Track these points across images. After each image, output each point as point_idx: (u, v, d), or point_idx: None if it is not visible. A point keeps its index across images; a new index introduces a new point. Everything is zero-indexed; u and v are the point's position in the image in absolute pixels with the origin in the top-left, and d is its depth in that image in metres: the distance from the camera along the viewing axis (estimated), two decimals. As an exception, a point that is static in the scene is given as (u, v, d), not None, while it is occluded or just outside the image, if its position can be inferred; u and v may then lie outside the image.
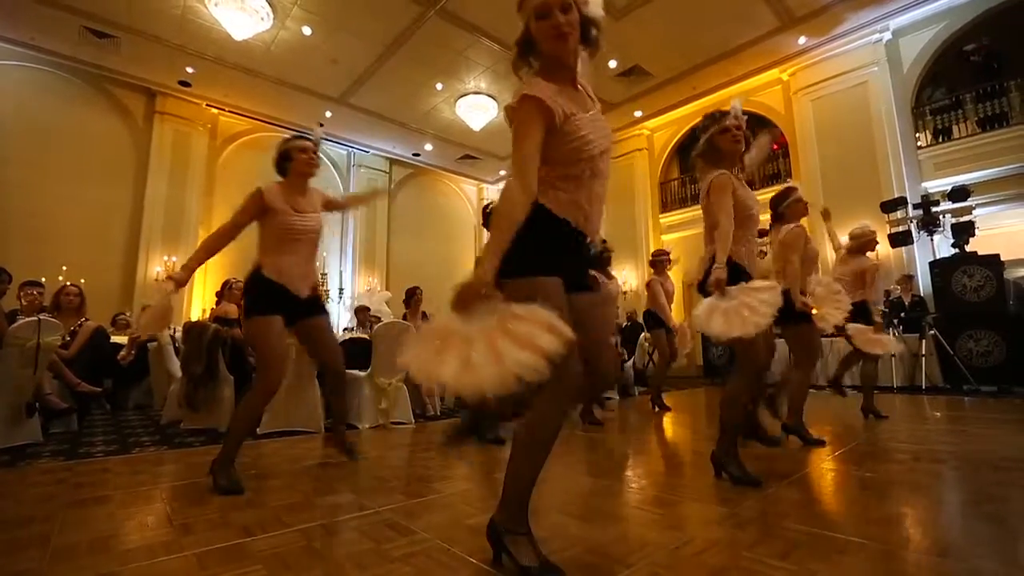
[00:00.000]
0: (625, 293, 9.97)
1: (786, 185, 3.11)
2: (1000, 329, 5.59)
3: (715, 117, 2.16)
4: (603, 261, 3.91)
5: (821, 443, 2.75)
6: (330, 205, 2.58)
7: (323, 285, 9.14)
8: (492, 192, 14.09)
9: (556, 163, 1.29)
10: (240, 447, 2.16)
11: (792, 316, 2.76)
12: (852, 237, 3.84)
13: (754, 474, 2.03)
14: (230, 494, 1.97)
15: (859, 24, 7.81)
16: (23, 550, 1.44)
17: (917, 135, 7.82)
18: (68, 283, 4.46)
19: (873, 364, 3.83)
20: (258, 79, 8.90)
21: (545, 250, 1.26)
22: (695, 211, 9.66)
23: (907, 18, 7.67)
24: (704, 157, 2.22)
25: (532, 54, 1.34)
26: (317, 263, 2.53)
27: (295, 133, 2.62)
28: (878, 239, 3.82)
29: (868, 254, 3.83)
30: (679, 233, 10.36)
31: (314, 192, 2.46)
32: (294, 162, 2.34)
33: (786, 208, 2.96)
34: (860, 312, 3.63)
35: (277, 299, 2.21)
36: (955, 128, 7.58)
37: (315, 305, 2.40)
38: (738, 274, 2.10)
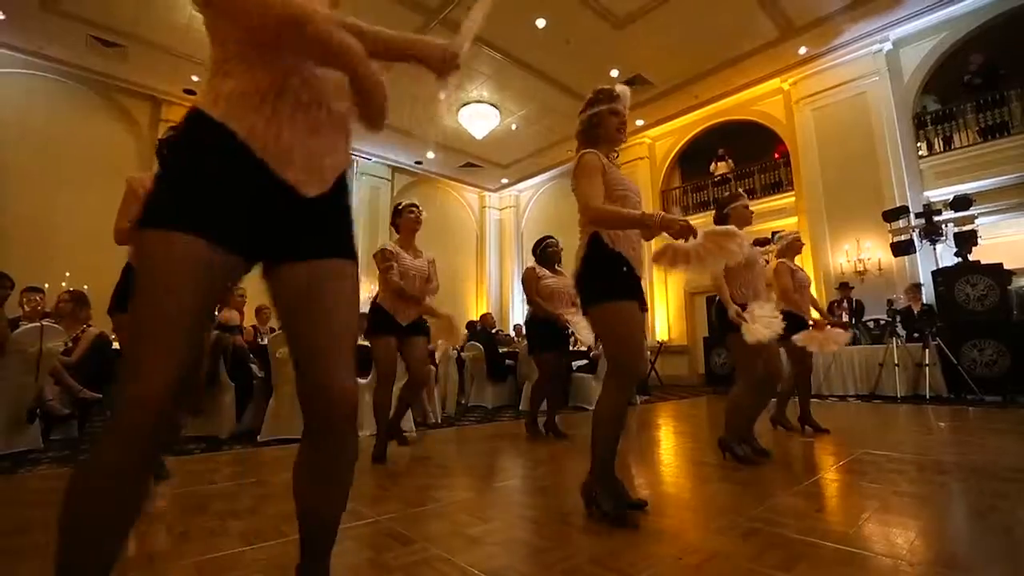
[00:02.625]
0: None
1: (736, 192, 3.06)
2: (1004, 338, 5.56)
3: (610, 95, 1.97)
4: (550, 257, 3.87)
5: (753, 462, 2.58)
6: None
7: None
8: (494, 200, 14.14)
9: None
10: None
11: (730, 323, 2.75)
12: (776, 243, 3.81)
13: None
14: None
15: (859, 35, 7.86)
16: (23, 558, 1.43)
17: (918, 144, 7.83)
18: (65, 290, 4.49)
19: (801, 380, 3.72)
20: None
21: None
22: (697, 219, 9.67)
23: (907, 29, 7.72)
24: (584, 135, 2.01)
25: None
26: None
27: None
28: (801, 241, 3.73)
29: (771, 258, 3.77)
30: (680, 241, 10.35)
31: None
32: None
33: (731, 210, 2.87)
34: (792, 324, 3.57)
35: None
36: (956, 137, 7.59)
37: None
38: (613, 261, 1.83)
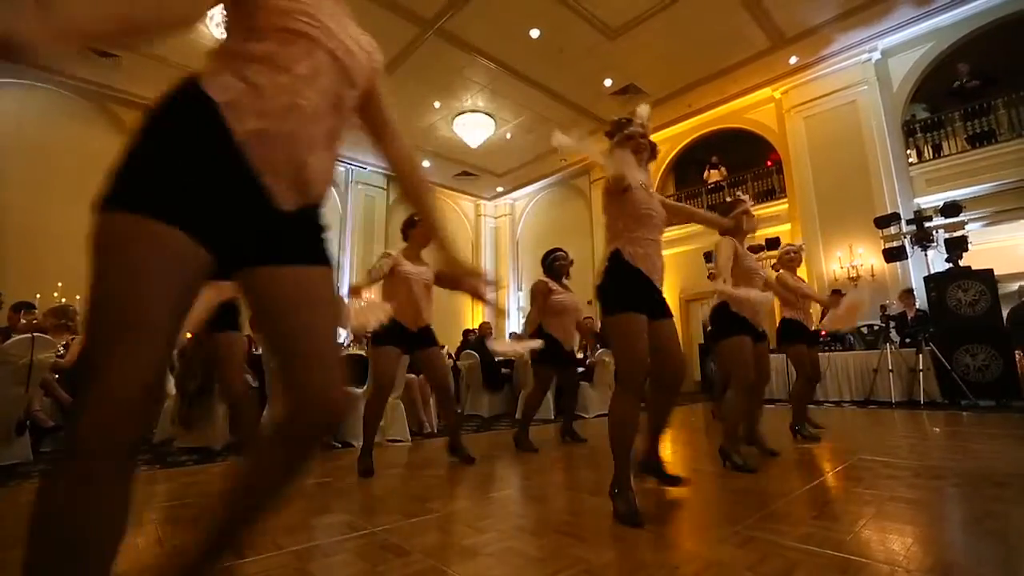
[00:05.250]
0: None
1: (736, 197, 3.03)
2: (996, 343, 5.61)
3: (620, 124, 2.13)
4: (559, 271, 3.81)
5: (751, 471, 2.52)
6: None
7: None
8: (490, 208, 14.17)
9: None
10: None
11: (724, 330, 2.77)
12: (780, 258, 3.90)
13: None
14: None
15: (848, 44, 7.98)
16: (13, 572, 1.41)
17: (908, 152, 7.93)
18: (48, 309, 4.48)
19: (808, 385, 3.74)
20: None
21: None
22: (692, 227, 9.73)
23: (895, 39, 7.85)
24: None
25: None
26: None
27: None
28: (800, 255, 3.79)
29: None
30: (677, 248, 10.41)
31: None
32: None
33: (735, 218, 2.88)
34: (794, 331, 3.62)
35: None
36: (945, 145, 7.70)
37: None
38: (632, 275, 1.97)
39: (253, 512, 0.90)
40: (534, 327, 3.69)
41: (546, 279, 3.77)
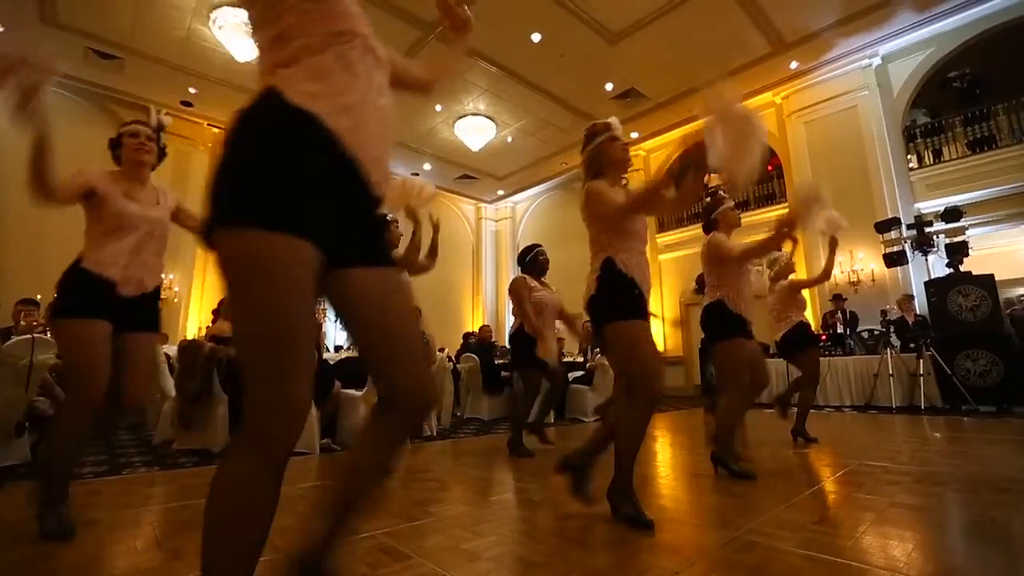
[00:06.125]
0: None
1: (717, 191, 2.98)
2: (997, 349, 5.60)
3: (607, 125, 2.10)
4: (540, 266, 3.70)
5: (751, 477, 2.49)
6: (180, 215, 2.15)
7: (321, 304, 9.05)
8: (490, 211, 14.18)
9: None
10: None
11: (722, 333, 2.73)
12: (770, 267, 3.88)
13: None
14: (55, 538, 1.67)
15: (849, 50, 8.01)
16: (10, 574, 1.41)
17: (908, 157, 7.95)
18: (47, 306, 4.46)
19: (811, 392, 3.76)
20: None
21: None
22: (692, 231, 9.74)
23: (895, 44, 7.88)
24: (588, 166, 2.12)
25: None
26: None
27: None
28: (792, 267, 3.82)
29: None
30: (677, 252, 10.44)
31: (162, 191, 2.12)
32: (124, 148, 2.03)
33: (719, 215, 2.86)
34: (801, 335, 3.63)
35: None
36: (945, 150, 7.72)
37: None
38: (624, 284, 1.93)
39: (363, 496, 0.98)
40: (528, 324, 3.53)
41: (524, 276, 3.62)
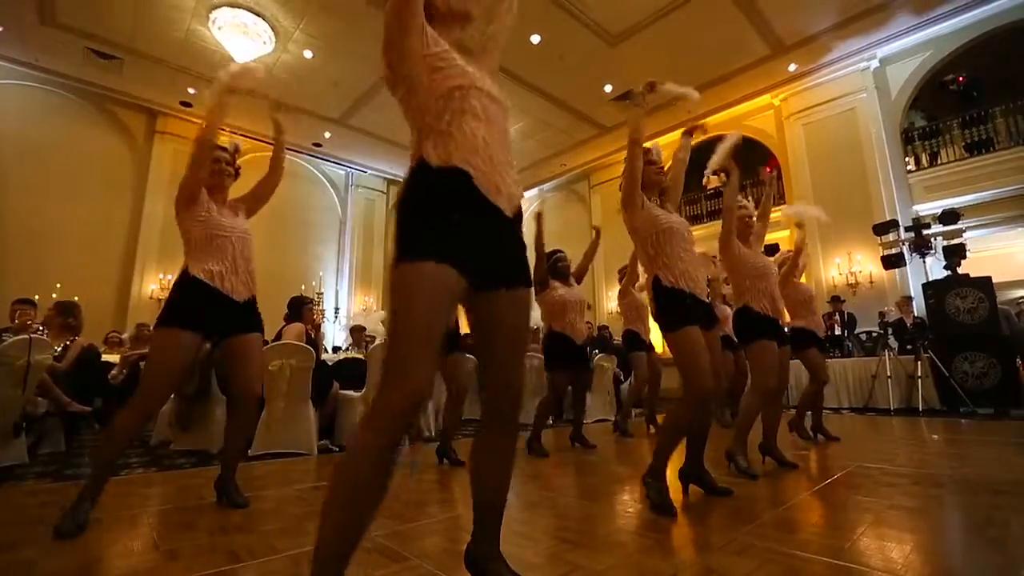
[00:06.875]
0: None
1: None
2: (995, 351, 5.61)
3: (646, 151, 2.38)
4: (561, 272, 3.81)
5: (753, 477, 2.53)
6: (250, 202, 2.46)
7: (318, 304, 9.06)
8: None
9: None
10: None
11: (748, 334, 2.77)
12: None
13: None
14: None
15: (847, 52, 8.03)
16: (11, 573, 1.40)
17: (906, 159, 7.97)
18: (54, 303, 4.41)
19: (817, 390, 3.78)
20: (259, 100, 9.01)
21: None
22: (705, 228, 9.72)
23: (893, 47, 7.90)
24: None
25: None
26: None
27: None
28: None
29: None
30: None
31: (231, 204, 2.38)
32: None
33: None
34: (805, 337, 3.64)
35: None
36: (943, 153, 7.74)
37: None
38: (673, 296, 2.12)
39: (501, 484, 1.19)
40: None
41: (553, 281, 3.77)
